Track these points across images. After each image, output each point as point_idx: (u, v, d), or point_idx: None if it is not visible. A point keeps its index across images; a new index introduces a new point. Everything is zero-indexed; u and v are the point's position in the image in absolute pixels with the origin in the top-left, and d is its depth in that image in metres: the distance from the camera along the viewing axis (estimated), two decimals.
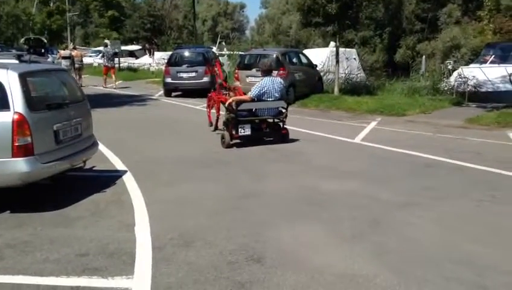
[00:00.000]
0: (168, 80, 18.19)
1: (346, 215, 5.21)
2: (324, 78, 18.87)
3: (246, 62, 16.70)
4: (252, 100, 9.15)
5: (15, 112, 5.06)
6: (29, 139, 5.11)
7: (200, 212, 5.33)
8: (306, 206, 5.53)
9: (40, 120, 5.31)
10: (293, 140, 9.50)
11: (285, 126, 9.43)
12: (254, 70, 15.53)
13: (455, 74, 16.51)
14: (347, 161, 7.86)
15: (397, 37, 39.98)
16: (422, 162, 7.70)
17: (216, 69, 11.24)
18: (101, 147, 7.61)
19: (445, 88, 16.35)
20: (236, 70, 16.40)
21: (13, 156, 5.05)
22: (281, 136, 9.35)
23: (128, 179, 6.66)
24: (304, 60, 17.53)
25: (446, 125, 11.21)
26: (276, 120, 9.39)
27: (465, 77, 15.35)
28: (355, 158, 8.10)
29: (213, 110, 10.82)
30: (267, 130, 9.39)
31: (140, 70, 30.74)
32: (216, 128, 10.19)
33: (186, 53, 19.35)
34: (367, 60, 34.52)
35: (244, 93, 9.75)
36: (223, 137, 8.98)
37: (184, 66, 18.10)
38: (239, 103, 9.03)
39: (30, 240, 4.57)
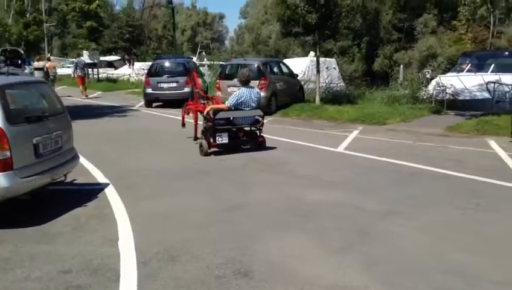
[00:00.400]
0: (149, 90, 18.04)
1: (332, 225, 5.19)
2: (305, 87, 18.97)
3: (227, 72, 16.67)
4: (230, 109, 9.34)
5: None
6: (8, 153, 4.96)
7: (185, 226, 5.24)
8: (292, 217, 5.50)
9: (19, 133, 5.17)
10: (274, 149, 9.50)
11: (261, 134, 9.61)
12: (235, 80, 15.46)
13: (433, 82, 16.80)
14: (331, 171, 7.87)
15: (375, 46, 40.57)
16: (406, 170, 7.75)
17: (192, 79, 11.31)
18: (82, 159, 7.45)
19: (424, 97, 16.60)
20: (218, 81, 16.37)
21: None
22: (257, 144, 9.54)
23: (110, 192, 6.53)
24: (284, 70, 17.60)
25: (426, 133, 11.34)
26: (253, 128, 9.56)
27: (443, 86, 15.61)
28: (339, 167, 8.11)
29: (191, 120, 10.64)
30: (244, 138, 9.57)
31: (119, 81, 30.46)
32: (196, 138, 10.19)
33: (167, 63, 19.25)
34: (346, 70, 34.90)
35: (223, 103, 9.91)
36: (201, 145, 9.15)
37: (165, 77, 17.99)
38: (216, 111, 9.22)
39: (10, 257, 4.42)
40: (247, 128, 9.54)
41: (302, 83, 18.98)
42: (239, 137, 9.49)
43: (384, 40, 40.47)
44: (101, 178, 7.31)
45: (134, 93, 23.04)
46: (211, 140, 9.05)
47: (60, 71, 35.97)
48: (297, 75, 18.27)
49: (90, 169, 7.82)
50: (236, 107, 9.37)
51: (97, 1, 31.87)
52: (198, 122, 10.26)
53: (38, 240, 4.86)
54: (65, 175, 6.14)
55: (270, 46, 56.67)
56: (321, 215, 5.53)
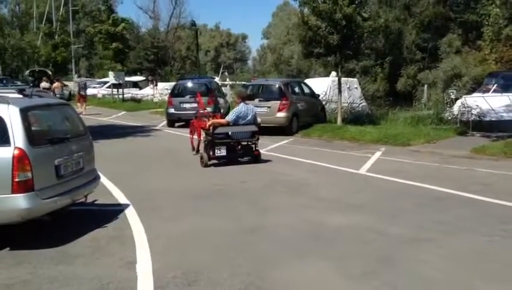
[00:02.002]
0: (171, 110, 18.21)
1: (354, 251, 5.05)
2: (326, 107, 18.88)
3: (248, 92, 16.69)
4: (228, 124, 10.25)
5: (15, 147, 4.97)
6: (29, 174, 5.01)
7: (204, 248, 5.18)
8: (312, 242, 5.38)
9: (41, 155, 5.22)
10: (293, 170, 9.42)
11: (257, 148, 10.39)
12: (257, 100, 15.55)
13: (458, 103, 16.50)
14: (353, 193, 7.72)
15: (398, 66, 40.24)
16: (431, 194, 7.54)
17: (197, 99, 12.31)
18: (103, 179, 7.50)
19: (449, 117, 16.30)
20: (239, 101, 16.39)
21: (13, 192, 4.94)
22: (253, 157, 10.33)
23: (131, 213, 6.53)
24: (306, 90, 17.57)
25: (452, 155, 11.09)
26: (249, 142, 10.30)
27: (468, 106, 15.32)
28: (361, 190, 7.96)
29: (195, 136, 11.37)
30: (241, 151, 10.35)
31: (143, 101, 30.89)
32: (198, 151, 11.00)
33: (189, 84, 19.45)
34: (368, 89, 34.67)
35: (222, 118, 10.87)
36: (201, 157, 10.04)
37: (187, 97, 18.14)
38: (216, 126, 10.09)
39: (29, 279, 4.41)
40: (244, 143, 10.29)
41: (324, 103, 18.90)
42: (236, 150, 10.27)
43: (408, 59, 40.13)
44: (121, 199, 7.33)
45: (157, 113, 23.30)
46: (211, 153, 9.94)
47: (87, 91, 36.82)
48: (318, 95, 18.22)
49: (111, 189, 7.85)
50: (235, 122, 10.23)
51: (123, 24, 32.51)
52: (201, 137, 10.94)
53: (57, 261, 4.86)
54: (86, 196, 6.16)
55: (292, 66, 56.90)
56: (343, 240, 5.40)
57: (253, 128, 10.33)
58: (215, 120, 10.50)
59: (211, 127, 10.06)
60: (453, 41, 37.91)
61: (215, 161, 10.04)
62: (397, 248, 5.15)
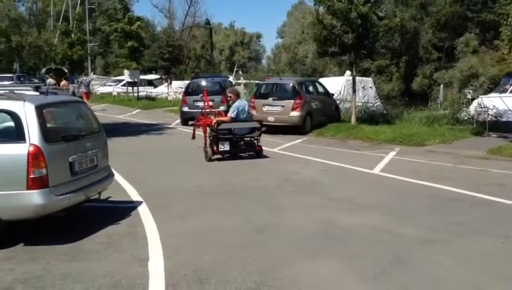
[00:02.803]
0: (185, 108, 18.29)
1: (366, 251, 5.02)
2: (340, 106, 18.79)
3: (262, 91, 16.69)
4: (232, 120, 10.76)
5: (31, 144, 5.04)
6: (44, 171, 5.07)
7: (215, 247, 5.19)
8: (324, 241, 5.36)
9: (55, 152, 5.29)
10: (306, 170, 9.38)
11: (259, 143, 10.83)
12: (271, 99, 15.54)
13: (475, 103, 16.29)
14: (366, 193, 7.67)
15: (414, 65, 39.91)
16: (445, 195, 7.46)
17: (203, 97, 12.59)
18: (117, 176, 7.56)
19: (465, 117, 16.10)
20: (253, 100, 16.41)
21: (28, 188, 5.01)
22: (255, 151, 10.77)
23: (143, 211, 6.57)
24: (320, 89, 17.50)
25: (468, 156, 10.95)
26: (251, 138, 10.79)
27: (485, 106, 15.12)
28: (374, 190, 7.90)
29: (200, 133, 11.46)
30: (243, 146, 10.82)
31: (158, 99, 31.09)
32: (194, 137, 11.80)
33: (204, 82, 19.48)
34: (383, 89, 34.42)
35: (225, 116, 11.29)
36: (206, 152, 10.63)
37: (201, 95, 18.18)
38: (220, 123, 10.59)
39: (42, 274, 4.47)
40: (247, 138, 10.77)
41: (338, 102, 18.81)
42: (239, 145, 10.76)
43: (424, 59, 39.76)
44: (135, 196, 7.39)
45: (172, 111, 23.43)
46: (215, 148, 10.48)
47: (102, 89, 37.23)
48: (333, 95, 18.14)
49: (124, 187, 7.92)
50: (237, 117, 10.78)
51: (138, 22, 32.74)
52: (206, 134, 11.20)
53: (71, 257, 4.91)
54: (100, 193, 6.21)
55: (307, 65, 56.78)
56: (355, 240, 5.37)
57: (255, 124, 10.87)
58: (220, 118, 10.99)
59: (215, 124, 10.57)
60: (470, 40, 37.44)
61: (219, 156, 10.54)
62: (410, 248, 5.10)
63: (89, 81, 28.27)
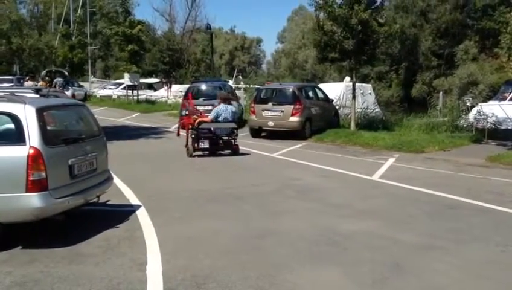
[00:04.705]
0: (185, 112, 18.26)
1: (365, 257, 5.01)
2: (340, 112, 18.81)
3: (262, 96, 16.68)
4: (212, 121, 12.01)
5: (30, 147, 5.03)
6: (43, 174, 5.06)
7: (213, 251, 5.18)
8: (323, 247, 5.35)
9: (55, 155, 5.28)
10: (303, 174, 9.38)
11: (236, 143, 12.04)
12: (270, 104, 15.56)
13: (474, 110, 16.32)
14: (365, 199, 7.67)
15: (413, 72, 39.99)
16: (444, 202, 7.46)
17: (189, 100, 14.09)
18: (116, 180, 7.55)
19: (464, 125, 16.12)
20: (252, 105, 16.43)
21: (27, 191, 5.00)
22: (232, 150, 11.96)
23: (142, 215, 6.56)
24: (320, 95, 17.52)
25: (467, 163, 10.96)
26: (229, 138, 11.95)
27: (484, 114, 15.14)
28: (373, 196, 7.90)
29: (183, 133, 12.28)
30: (221, 145, 12.00)
31: (158, 103, 31.10)
32: (178, 134, 12.77)
33: (203, 86, 19.50)
34: (383, 95, 34.49)
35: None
36: (188, 149, 11.72)
37: (200, 100, 18.19)
38: (201, 122, 11.85)
39: (40, 278, 4.46)
40: (225, 138, 11.91)
41: (337, 108, 18.84)
42: (218, 144, 11.96)
43: (423, 66, 39.85)
44: (133, 200, 7.37)
45: (171, 115, 23.43)
46: (195, 145, 11.70)
47: (102, 92, 37.25)
48: (332, 100, 18.16)
49: (123, 190, 7.90)
50: (216, 119, 12.06)
51: (139, 26, 32.80)
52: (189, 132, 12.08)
53: (69, 260, 4.90)
54: (98, 196, 6.20)
55: (307, 70, 56.85)
56: (354, 246, 5.36)
57: (233, 125, 12.03)
58: (201, 118, 12.13)
59: (197, 124, 11.74)
60: (469, 48, 37.56)
61: (199, 153, 11.77)
62: (409, 255, 5.10)
63: (63, 82, 25.96)
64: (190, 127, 11.82)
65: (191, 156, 11.58)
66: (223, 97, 12.90)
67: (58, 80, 25.83)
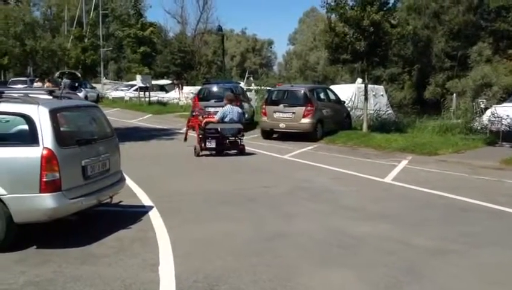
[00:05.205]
0: (191, 113, 18.30)
1: (378, 261, 4.96)
2: (352, 114, 18.71)
3: (273, 98, 16.65)
4: (218, 122, 12.24)
5: (44, 148, 5.07)
6: (57, 175, 5.09)
7: (226, 253, 5.17)
8: (336, 250, 5.31)
9: (68, 156, 5.32)
10: (316, 176, 9.34)
11: (242, 143, 12.29)
12: (282, 106, 15.53)
13: (488, 112, 16.13)
14: (378, 202, 7.61)
15: (426, 74, 39.72)
16: (458, 205, 7.38)
17: (195, 102, 14.63)
18: (128, 181, 7.57)
19: (478, 127, 15.93)
20: (264, 106, 16.41)
21: (41, 191, 5.04)
22: (238, 149, 12.20)
23: (154, 215, 6.58)
24: (331, 96, 17.46)
25: (481, 166, 10.82)
26: (235, 138, 12.22)
27: (498, 116, 14.95)
28: (386, 199, 7.84)
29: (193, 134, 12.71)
30: (228, 145, 12.22)
31: (169, 104, 31.22)
32: (186, 139, 13.03)
33: (215, 88, 19.51)
34: (395, 97, 34.28)
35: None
36: (195, 148, 12.00)
37: (212, 101, 18.23)
38: (208, 123, 12.19)
39: (54, 277, 4.48)
40: (231, 138, 12.17)
41: (349, 109, 18.75)
42: (224, 143, 12.17)
43: (436, 67, 39.56)
44: (146, 200, 7.40)
45: (182, 116, 23.48)
46: (203, 144, 11.99)
47: (114, 94, 37.51)
48: (344, 102, 18.09)
49: (136, 191, 7.93)
50: (223, 120, 12.29)
51: (151, 28, 33.01)
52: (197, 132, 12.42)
53: (82, 261, 4.92)
54: (111, 197, 6.23)
55: (318, 72, 56.77)
56: (366, 250, 5.32)
57: (239, 126, 12.29)
58: (208, 119, 12.46)
59: (204, 124, 12.08)
60: (483, 49, 37.21)
61: (206, 152, 12.00)
62: (422, 259, 5.04)
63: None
64: (200, 128, 12.09)
65: (198, 155, 11.84)
66: (229, 98, 13.18)
67: (65, 81, 26.00)
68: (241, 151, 12.20)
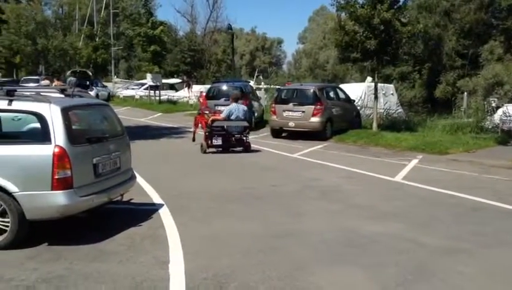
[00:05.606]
0: (198, 112, 18.33)
1: (388, 260, 4.95)
2: (361, 113, 18.64)
3: (282, 97, 16.63)
4: (224, 119, 12.49)
5: (56, 145, 5.12)
6: (69, 172, 5.14)
7: (235, 251, 5.18)
8: (345, 249, 5.30)
9: (80, 153, 5.36)
10: (332, 178, 9.31)
11: (247, 140, 12.56)
12: (291, 104, 15.51)
13: (499, 111, 16.02)
14: (388, 201, 7.58)
15: (437, 72, 39.38)
16: (469, 205, 7.33)
17: (201, 99, 15.02)
18: (139, 179, 7.63)
19: (490, 126, 15.81)
20: (273, 105, 16.41)
21: (53, 189, 5.09)
22: (244, 146, 12.47)
23: (165, 213, 6.61)
24: (341, 95, 17.41)
25: (492, 165, 10.74)
26: (241, 135, 12.46)
27: (510, 115, 14.83)
28: (396, 198, 7.80)
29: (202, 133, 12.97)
30: (234, 142, 12.45)
31: (179, 103, 31.32)
32: (194, 140, 13.32)
33: (224, 87, 19.52)
34: (405, 96, 34.03)
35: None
36: (202, 145, 12.30)
37: (222, 100, 18.23)
38: (214, 120, 12.44)
39: (65, 274, 4.52)
40: (237, 135, 12.42)
41: (359, 108, 18.68)
42: (230, 141, 12.41)
43: (447, 66, 39.22)
44: (156, 199, 7.43)
45: (192, 115, 23.51)
46: (209, 142, 12.23)
47: (125, 92, 37.71)
48: (354, 101, 18.02)
49: (146, 189, 7.98)
50: (228, 118, 12.52)
51: (161, 27, 33.13)
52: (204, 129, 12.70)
53: (93, 258, 4.96)
54: (122, 195, 6.27)
55: (328, 70, 56.62)
56: (377, 248, 5.30)
57: (245, 123, 12.53)
58: (215, 117, 12.76)
59: (211, 122, 12.32)
60: (494, 48, 36.85)
61: (213, 149, 12.24)
62: (432, 258, 5.01)
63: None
64: (206, 125, 12.37)
65: (204, 152, 12.10)
66: (234, 97, 13.55)
67: (71, 79, 26.26)
68: (247, 149, 12.45)
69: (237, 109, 12.77)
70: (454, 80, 37.66)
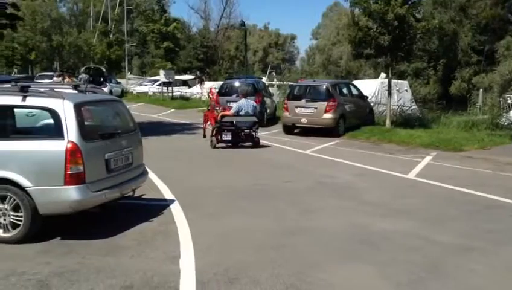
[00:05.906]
0: (207, 108, 18.33)
1: (401, 257, 4.91)
2: (375, 109, 18.50)
3: (295, 93, 16.56)
4: (234, 115, 12.71)
5: (69, 141, 5.16)
6: (81, 167, 5.18)
7: (246, 247, 5.18)
8: (357, 246, 5.27)
9: (92, 149, 5.40)
10: (337, 171, 9.27)
11: (256, 136, 12.64)
12: (304, 101, 15.44)
13: None
14: (401, 198, 7.52)
15: (452, 69, 38.95)
16: (483, 202, 7.24)
17: (211, 95, 15.48)
18: (151, 175, 7.66)
19: (505, 123, 15.58)
20: (286, 101, 16.35)
21: (65, 184, 5.13)
22: (253, 142, 12.57)
23: (176, 209, 6.64)
24: (354, 92, 17.29)
25: (507, 162, 10.58)
26: (250, 131, 12.55)
27: None
28: (409, 195, 7.73)
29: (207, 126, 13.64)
30: (243, 137, 12.56)
31: (192, 99, 31.41)
32: (205, 136, 13.62)
33: (237, 83, 19.51)
34: (420, 92, 33.71)
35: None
36: (211, 141, 12.51)
37: (234, 96, 18.24)
38: (224, 116, 12.69)
39: (77, 268, 4.57)
40: (247, 130, 12.51)
41: (372, 105, 18.53)
42: (239, 136, 12.51)
43: (462, 62, 38.77)
44: (168, 194, 7.46)
45: (205, 111, 23.57)
46: (219, 137, 12.42)
47: (138, 89, 37.93)
48: (367, 97, 17.88)
49: (158, 185, 8.01)
50: (238, 113, 12.74)
51: (175, 23, 33.24)
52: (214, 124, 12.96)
53: (105, 252, 5.01)
54: (134, 190, 6.31)
55: (341, 67, 56.27)
56: (389, 246, 5.26)
57: (254, 119, 12.67)
58: (224, 112, 13.04)
59: (220, 117, 12.59)
60: (511, 44, 36.28)
61: (222, 145, 12.41)
62: (445, 256, 4.96)
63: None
64: (216, 121, 12.66)
65: (214, 147, 12.32)
66: (244, 92, 13.95)
67: (83, 76, 26.56)
68: (256, 144, 12.57)
69: (246, 104, 12.96)
70: (469, 77, 37.24)
